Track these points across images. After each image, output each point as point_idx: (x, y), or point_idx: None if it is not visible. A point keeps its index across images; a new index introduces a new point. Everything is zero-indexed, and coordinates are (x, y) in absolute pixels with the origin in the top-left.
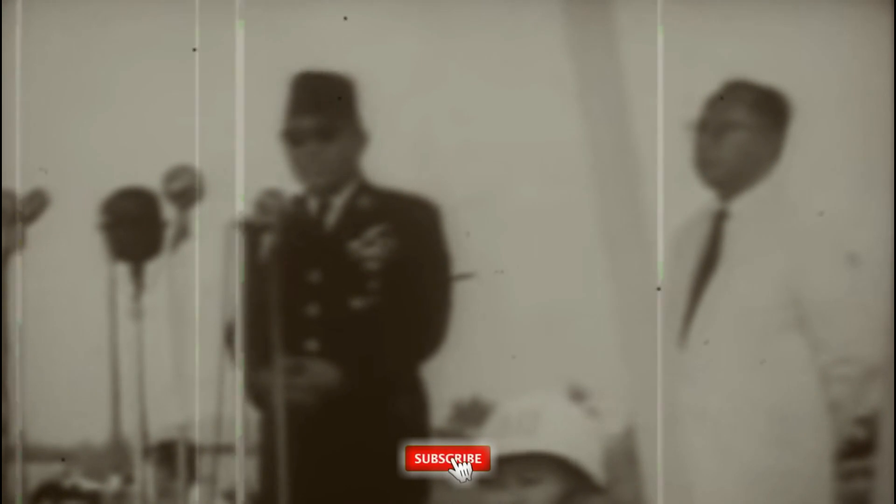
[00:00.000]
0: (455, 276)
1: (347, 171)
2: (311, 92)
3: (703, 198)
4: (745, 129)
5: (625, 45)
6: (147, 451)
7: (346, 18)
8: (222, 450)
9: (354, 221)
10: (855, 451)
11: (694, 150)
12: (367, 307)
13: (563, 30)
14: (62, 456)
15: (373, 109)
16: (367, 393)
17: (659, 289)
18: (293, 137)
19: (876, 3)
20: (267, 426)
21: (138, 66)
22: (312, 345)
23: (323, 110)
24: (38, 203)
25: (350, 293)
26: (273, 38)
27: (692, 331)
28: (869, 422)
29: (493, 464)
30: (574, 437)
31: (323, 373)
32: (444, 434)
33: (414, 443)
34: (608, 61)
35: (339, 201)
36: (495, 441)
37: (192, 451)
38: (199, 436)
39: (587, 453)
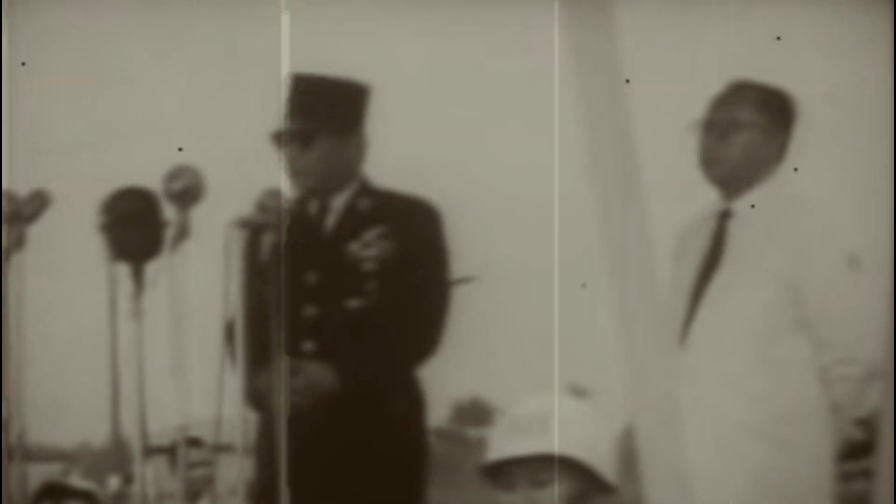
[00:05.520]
0: (455, 280)
1: (341, 173)
2: (298, 94)
3: (706, 198)
4: (751, 129)
5: (625, 45)
6: (147, 452)
7: None
8: (221, 450)
9: (354, 223)
10: (854, 452)
11: (699, 149)
12: (364, 308)
13: (563, 31)
14: (63, 456)
15: (373, 112)
16: (364, 394)
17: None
18: (278, 140)
19: (876, 3)
20: (264, 427)
21: (140, 67)
22: (309, 346)
23: (306, 114)
24: (38, 203)
25: (347, 294)
26: (277, 39)
27: (693, 330)
28: (868, 423)
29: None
30: (585, 437)
31: (319, 374)
32: (442, 434)
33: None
34: (608, 62)
35: (338, 203)
36: (506, 443)
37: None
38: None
39: (598, 454)
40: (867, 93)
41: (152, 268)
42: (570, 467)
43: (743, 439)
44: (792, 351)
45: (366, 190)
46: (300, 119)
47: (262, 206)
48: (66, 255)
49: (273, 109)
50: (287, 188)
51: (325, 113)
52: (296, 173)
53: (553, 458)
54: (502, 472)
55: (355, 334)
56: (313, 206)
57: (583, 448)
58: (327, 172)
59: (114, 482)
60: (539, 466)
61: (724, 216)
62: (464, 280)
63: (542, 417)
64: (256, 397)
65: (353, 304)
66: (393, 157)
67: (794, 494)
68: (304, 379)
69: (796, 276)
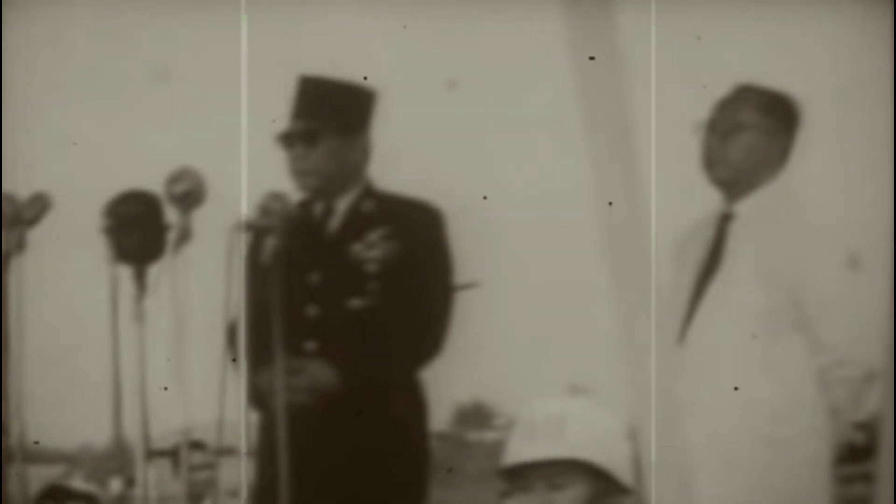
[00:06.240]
0: (459, 285)
1: (345, 175)
2: (305, 95)
3: (706, 200)
4: (754, 131)
5: (626, 45)
6: (149, 455)
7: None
8: (223, 453)
9: (357, 225)
10: (854, 455)
11: (701, 149)
12: (366, 308)
13: (564, 32)
14: (64, 459)
15: (377, 115)
16: (366, 394)
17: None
18: (284, 141)
19: (876, 3)
20: (266, 427)
21: (141, 67)
22: (311, 346)
23: (312, 115)
24: (40, 206)
25: (349, 294)
26: (280, 40)
27: (692, 331)
28: (868, 426)
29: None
30: (601, 440)
31: (321, 373)
32: (444, 437)
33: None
34: (609, 63)
35: (342, 205)
36: (523, 446)
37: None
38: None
39: (614, 456)
40: (867, 93)
41: (154, 271)
42: (586, 470)
43: (742, 440)
44: (791, 352)
45: (370, 192)
46: (306, 119)
47: (265, 209)
48: (68, 257)
49: (278, 111)
50: (292, 189)
51: (331, 114)
52: (300, 174)
53: (569, 461)
54: (519, 475)
55: (357, 334)
56: (318, 208)
57: (598, 451)
58: (332, 173)
59: (116, 485)
60: (555, 469)
61: (725, 219)
62: (466, 286)
63: (558, 421)
64: (258, 397)
65: (356, 303)
66: (397, 161)
67: (793, 495)
68: (306, 378)
69: (795, 277)
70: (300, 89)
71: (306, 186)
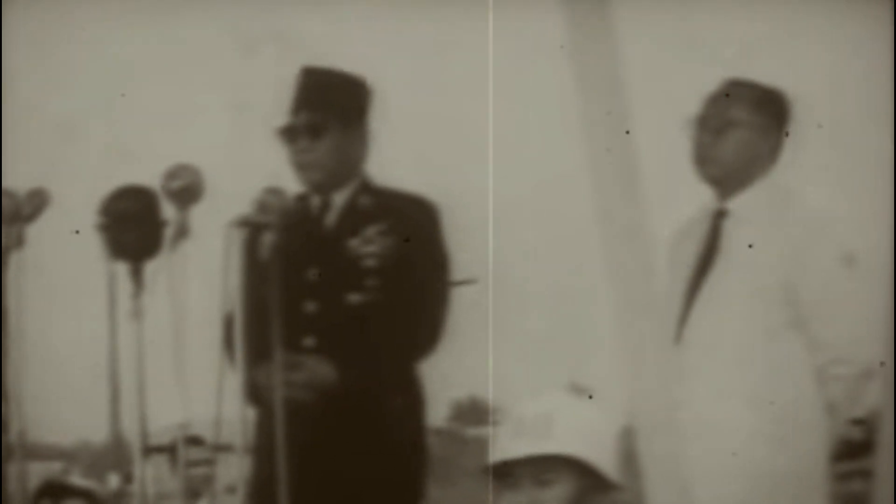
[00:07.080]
0: (456, 281)
1: (344, 169)
2: (307, 88)
3: (701, 197)
4: (745, 128)
5: (625, 44)
6: (147, 451)
7: None
8: (221, 449)
9: (354, 220)
10: (852, 452)
11: (693, 147)
12: (364, 303)
13: (563, 32)
14: (63, 455)
15: (376, 110)
16: (364, 389)
17: None
18: (287, 134)
19: (876, 3)
20: (263, 423)
21: (139, 63)
22: (310, 341)
23: (316, 107)
24: (38, 202)
25: (347, 290)
26: (279, 37)
27: (688, 329)
28: (866, 423)
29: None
30: (588, 437)
31: (319, 369)
32: (441, 433)
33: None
34: (608, 61)
35: (339, 200)
36: (510, 443)
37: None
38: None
39: (601, 452)
40: (867, 92)
41: (152, 267)
42: (574, 466)
43: (739, 439)
44: (787, 351)
45: (367, 187)
46: (310, 112)
47: (262, 205)
48: (66, 254)
49: (277, 105)
50: (292, 183)
51: (335, 106)
52: (303, 167)
53: (556, 457)
54: (506, 472)
55: (355, 330)
56: (315, 203)
57: (586, 447)
58: (333, 167)
59: (113, 481)
60: (543, 466)
61: (719, 216)
62: (464, 282)
63: (545, 417)
64: (256, 393)
65: (354, 299)
66: (394, 156)
67: (791, 492)
68: (304, 374)
69: (791, 275)
70: (303, 82)
71: (309, 180)
